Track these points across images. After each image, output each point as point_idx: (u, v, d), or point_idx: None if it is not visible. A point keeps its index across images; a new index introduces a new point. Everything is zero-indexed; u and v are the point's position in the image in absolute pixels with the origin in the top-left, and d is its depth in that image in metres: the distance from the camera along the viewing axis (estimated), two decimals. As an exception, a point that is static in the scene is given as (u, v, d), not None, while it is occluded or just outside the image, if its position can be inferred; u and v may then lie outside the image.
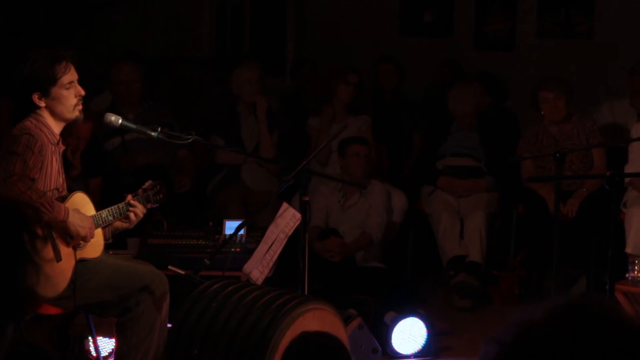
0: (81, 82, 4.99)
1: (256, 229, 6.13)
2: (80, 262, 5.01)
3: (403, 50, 9.36)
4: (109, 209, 5.13)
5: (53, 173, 4.94)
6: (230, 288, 4.72)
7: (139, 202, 5.22)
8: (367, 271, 7.19)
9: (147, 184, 5.32)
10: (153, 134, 5.09)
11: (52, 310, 5.10)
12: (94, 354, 5.64)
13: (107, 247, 5.58)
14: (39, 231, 1.61)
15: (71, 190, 5.32)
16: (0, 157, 4.78)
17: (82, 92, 4.98)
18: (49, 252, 4.85)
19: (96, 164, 6.94)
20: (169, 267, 5.09)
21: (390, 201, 7.46)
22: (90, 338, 5.60)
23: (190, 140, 5.14)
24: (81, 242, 4.98)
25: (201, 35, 10.04)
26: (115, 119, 5.13)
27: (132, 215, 5.17)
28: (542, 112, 7.42)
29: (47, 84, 4.88)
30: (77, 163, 6.80)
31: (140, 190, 5.27)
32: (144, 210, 5.23)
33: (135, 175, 7.16)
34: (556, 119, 7.40)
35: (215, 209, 7.32)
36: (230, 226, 6.05)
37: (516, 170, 7.55)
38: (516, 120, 8.59)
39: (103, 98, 7.82)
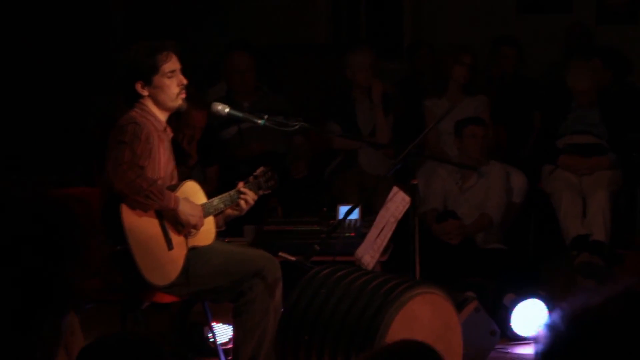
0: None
1: (371, 214, 6.10)
2: (192, 250, 5.08)
3: (521, 28, 9.19)
4: (220, 196, 5.19)
5: (162, 161, 5.01)
6: (339, 273, 4.71)
7: (250, 189, 5.25)
8: (488, 253, 7.10)
9: (259, 170, 5.35)
10: (260, 121, 5.11)
11: (167, 299, 5.18)
12: (212, 341, 5.71)
13: (223, 234, 5.65)
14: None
15: (187, 178, 5.41)
16: (109, 147, 4.86)
17: (185, 81, 5.04)
18: (160, 240, 4.93)
19: (212, 153, 7.01)
20: (280, 253, 5.11)
21: (509, 182, 7.34)
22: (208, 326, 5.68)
23: (297, 127, 5.14)
24: (192, 230, 5.03)
25: (317, 21, 10.04)
26: (222, 108, 5.17)
27: (242, 202, 5.21)
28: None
29: (149, 73, 4.96)
30: (193, 152, 6.88)
31: (251, 178, 5.31)
32: (255, 197, 5.26)
33: (251, 163, 7.19)
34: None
35: (332, 195, 7.32)
36: (344, 211, 6.03)
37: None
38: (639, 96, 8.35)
39: (219, 88, 7.89)
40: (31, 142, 9.12)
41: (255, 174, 5.35)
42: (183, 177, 5.48)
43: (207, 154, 6.95)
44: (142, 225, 4.86)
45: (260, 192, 5.30)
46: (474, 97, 7.79)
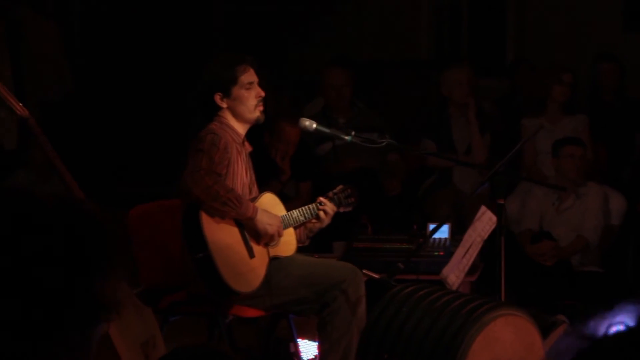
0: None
1: (462, 233, 6.03)
2: (274, 261, 5.10)
3: (627, 46, 9.01)
4: (300, 209, 5.21)
5: (239, 172, 5.05)
6: (421, 292, 4.66)
7: (330, 201, 5.27)
8: (584, 276, 6.97)
9: (338, 188, 5.37)
10: (347, 138, 5.10)
11: (252, 312, 5.19)
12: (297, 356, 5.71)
13: (312, 250, 5.66)
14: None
15: (280, 193, 5.45)
16: (189, 156, 4.92)
17: (262, 93, 5.09)
18: (241, 248, 4.96)
19: (306, 168, 7.04)
20: (364, 271, 5.09)
21: (607, 203, 7.19)
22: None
23: (384, 144, 5.12)
24: (272, 241, 5.06)
25: (419, 37, 10.01)
26: (310, 124, 5.18)
27: (321, 213, 5.23)
28: None
29: (228, 84, 5.02)
30: (286, 167, 6.92)
31: (330, 194, 5.33)
32: (334, 209, 5.28)
33: (344, 179, 7.19)
34: None
35: (424, 213, 7.27)
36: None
37: None
38: None
39: (315, 103, 7.93)
40: (137, 155, 9.29)
41: (334, 191, 5.37)
42: (276, 192, 5.51)
43: (300, 169, 6.98)
44: (222, 233, 4.90)
45: (341, 209, 5.31)
46: (574, 116, 7.66)
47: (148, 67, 9.58)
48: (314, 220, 5.26)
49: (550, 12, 9.81)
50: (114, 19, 9.82)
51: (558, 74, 7.60)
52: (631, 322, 1.32)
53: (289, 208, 5.29)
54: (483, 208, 5.23)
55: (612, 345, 1.34)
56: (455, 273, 5.09)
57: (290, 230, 5.18)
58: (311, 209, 5.23)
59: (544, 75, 7.82)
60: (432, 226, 5.97)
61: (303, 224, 5.24)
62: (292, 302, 5.14)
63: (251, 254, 4.99)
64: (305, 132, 5.69)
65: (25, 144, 6.98)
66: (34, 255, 1.47)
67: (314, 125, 5.18)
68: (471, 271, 5.62)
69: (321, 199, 5.27)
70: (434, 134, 7.56)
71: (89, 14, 9.83)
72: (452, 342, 4.36)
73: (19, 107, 4.45)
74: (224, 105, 5.06)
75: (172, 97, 9.25)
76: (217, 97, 5.05)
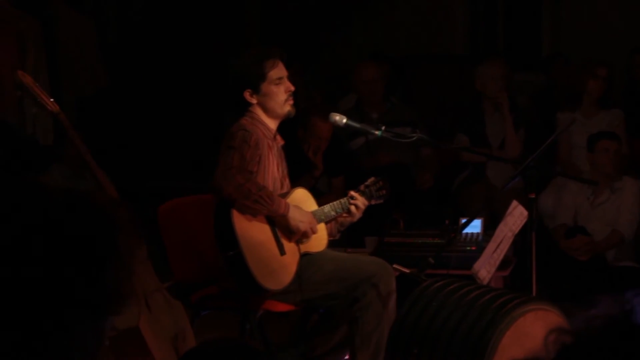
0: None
1: (495, 228, 6.00)
2: (305, 256, 5.10)
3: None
4: (331, 204, 5.21)
5: (271, 168, 5.04)
6: (451, 287, 4.65)
7: (361, 195, 5.27)
8: (619, 271, 6.91)
9: (370, 180, 5.36)
10: (377, 132, 5.10)
11: (282, 307, 5.20)
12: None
13: (344, 244, 5.66)
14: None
15: (313, 188, 5.45)
16: (220, 153, 4.93)
17: (292, 88, 5.08)
18: (272, 246, 4.97)
19: (339, 163, 7.03)
20: (394, 265, 5.08)
21: (643, 198, 7.13)
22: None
23: (414, 139, 5.10)
24: (304, 237, 5.06)
25: (454, 32, 9.97)
26: (340, 119, 5.18)
27: (353, 207, 5.23)
28: None
29: (257, 80, 5.02)
30: (318, 163, 6.92)
31: (362, 187, 5.32)
32: (366, 203, 5.27)
33: (377, 173, 7.19)
34: None
35: (457, 208, 7.25)
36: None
37: None
38: None
39: (349, 99, 7.93)
40: (169, 149, 9.34)
41: (366, 183, 5.36)
42: (308, 187, 5.51)
43: (333, 164, 6.98)
44: (253, 231, 4.91)
45: (373, 202, 5.31)
46: (609, 110, 7.60)
47: (182, 62, 9.62)
48: (345, 215, 5.26)
49: (586, 6, 9.74)
50: (148, 14, 9.87)
51: (593, 68, 7.54)
52: None
53: (321, 203, 5.29)
54: (514, 202, 5.21)
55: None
56: (486, 268, 5.07)
57: (322, 225, 5.18)
58: (342, 203, 5.22)
59: (579, 69, 7.76)
60: (463, 221, 5.96)
61: (334, 218, 5.24)
62: (323, 298, 5.14)
63: (282, 251, 4.99)
64: (338, 127, 5.69)
65: (60, 139, 7.02)
66: (43, 251, 1.48)
67: (344, 120, 5.17)
68: (503, 266, 5.60)
69: (352, 192, 5.27)
70: (468, 128, 7.53)
71: (124, 9, 9.88)
72: (481, 337, 4.35)
73: (50, 103, 4.50)
74: (254, 101, 5.07)
75: (205, 92, 9.29)
76: (247, 94, 5.06)
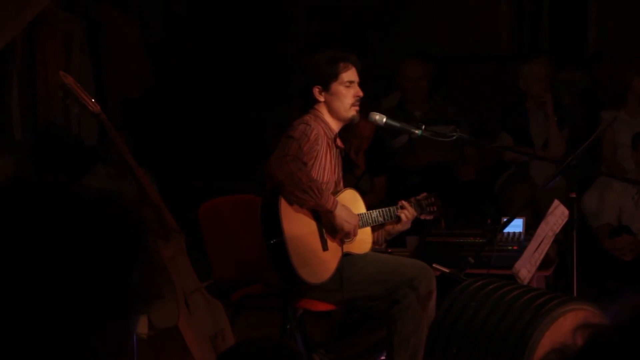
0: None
1: (537, 227, 5.97)
2: (346, 256, 5.11)
3: None
4: (380, 210, 5.22)
5: (326, 166, 5.07)
6: (490, 287, 4.63)
7: (411, 205, 5.28)
8: (665, 271, 6.85)
9: (422, 195, 5.38)
10: (417, 132, 5.09)
11: (322, 307, 5.21)
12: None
13: (387, 245, 5.65)
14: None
15: (355, 187, 5.46)
16: (279, 142, 4.97)
17: (361, 94, 5.12)
18: (315, 239, 4.99)
19: (380, 163, 7.03)
20: (434, 265, 5.07)
21: (690, 197, 7.06)
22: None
23: (454, 138, 5.09)
24: (346, 237, 5.06)
25: (499, 31, 9.91)
26: (379, 118, 5.19)
27: (402, 215, 5.24)
28: None
29: (328, 79, 5.07)
30: (360, 162, 6.92)
31: (412, 199, 5.33)
32: (414, 214, 5.28)
33: (421, 173, 7.20)
34: None
35: (500, 207, 7.21)
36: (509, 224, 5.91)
37: None
38: None
39: (393, 97, 7.92)
40: (214, 150, 9.38)
41: (417, 197, 5.37)
42: (350, 186, 5.52)
43: (375, 163, 6.97)
44: (299, 222, 4.94)
45: (423, 216, 5.33)
46: (655, 109, 7.53)
47: (227, 63, 9.65)
48: (393, 223, 5.28)
49: (633, 4, 9.63)
50: (193, 14, 9.92)
51: (638, 66, 7.48)
52: None
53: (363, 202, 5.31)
54: (556, 202, 5.19)
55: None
56: (526, 268, 5.04)
57: (368, 229, 5.20)
58: (391, 211, 5.25)
59: (624, 67, 7.70)
60: (504, 220, 5.93)
61: (382, 225, 5.26)
62: (363, 299, 5.15)
63: (324, 247, 5.02)
64: (378, 126, 5.69)
65: (105, 140, 7.08)
66: (69, 252, 1.50)
67: (384, 119, 5.18)
68: (545, 266, 5.57)
69: (402, 202, 5.28)
70: (512, 127, 7.49)
71: (169, 9, 9.94)
72: (521, 337, 4.32)
73: (91, 103, 4.53)
74: (322, 99, 5.11)
75: (250, 92, 9.32)
76: (316, 90, 5.11)
